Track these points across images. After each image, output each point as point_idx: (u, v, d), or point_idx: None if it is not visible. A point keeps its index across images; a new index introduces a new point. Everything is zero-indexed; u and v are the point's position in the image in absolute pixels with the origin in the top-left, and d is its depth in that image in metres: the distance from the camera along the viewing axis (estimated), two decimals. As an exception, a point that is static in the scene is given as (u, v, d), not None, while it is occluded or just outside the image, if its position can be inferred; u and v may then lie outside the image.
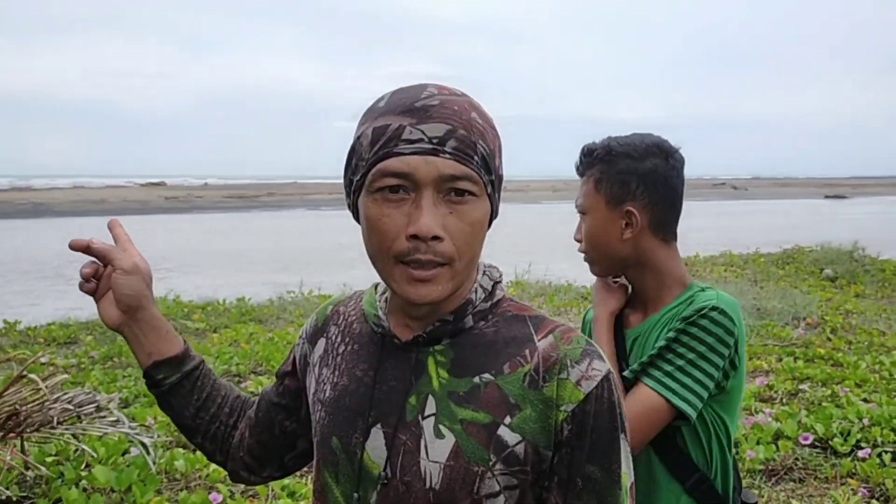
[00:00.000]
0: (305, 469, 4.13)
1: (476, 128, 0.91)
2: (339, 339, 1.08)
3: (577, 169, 1.59)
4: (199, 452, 4.03)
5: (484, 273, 1.01)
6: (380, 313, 1.02)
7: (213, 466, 3.93)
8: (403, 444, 0.95)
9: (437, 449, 0.93)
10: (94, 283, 1.13)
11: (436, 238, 0.89)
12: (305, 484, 3.82)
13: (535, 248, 20.44)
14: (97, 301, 1.13)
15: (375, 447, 0.97)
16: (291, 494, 3.67)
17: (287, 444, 1.20)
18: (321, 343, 1.11)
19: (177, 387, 1.16)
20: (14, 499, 3.49)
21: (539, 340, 0.95)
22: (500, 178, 0.97)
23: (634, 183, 1.50)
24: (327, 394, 1.04)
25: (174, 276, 14.55)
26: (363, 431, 0.98)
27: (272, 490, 3.71)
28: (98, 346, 7.18)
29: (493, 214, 0.98)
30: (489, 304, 0.99)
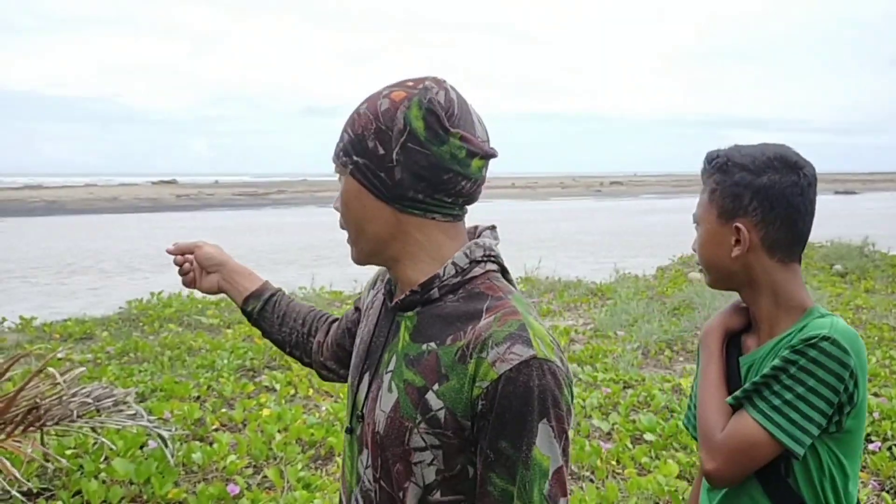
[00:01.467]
0: (320, 461, 4.22)
1: (351, 118, 1.10)
2: (375, 295, 1.28)
3: (701, 175, 1.50)
4: (215, 445, 4.12)
5: (465, 251, 1.10)
6: (389, 279, 1.20)
7: (230, 458, 3.99)
8: (372, 392, 1.12)
9: (385, 400, 1.08)
10: (191, 275, 1.51)
11: (336, 210, 1.14)
12: (320, 476, 3.87)
13: (544, 244, 20.45)
14: (196, 287, 1.52)
15: (362, 390, 1.15)
16: (307, 486, 3.72)
17: None
18: (371, 293, 1.32)
19: (261, 312, 1.49)
20: (35, 491, 3.55)
21: (483, 319, 1.04)
22: (380, 157, 1.06)
23: (748, 198, 1.40)
24: (357, 337, 1.26)
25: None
26: (360, 374, 1.17)
27: (288, 482, 3.76)
28: (114, 342, 7.25)
29: (386, 193, 1.07)
30: (459, 279, 1.09)
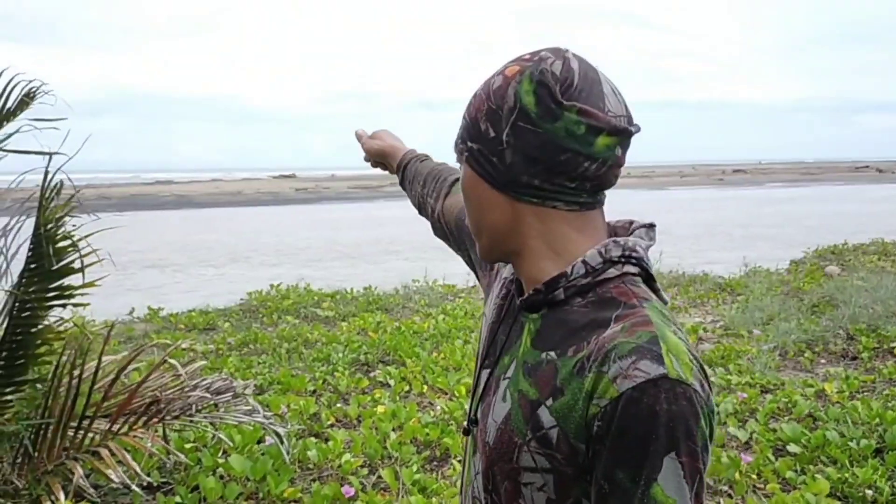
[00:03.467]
0: (435, 463, 4.07)
1: (468, 102, 0.99)
2: (512, 276, 1.10)
3: None
4: (330, 442, 4.04)
5: (600, 248, 0.95)
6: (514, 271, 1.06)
7: (346, 457, 3.91)
8: (488, 396, 1.01)
9: (498, 409, 0.97)
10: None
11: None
12: (436, 480, 3.72)
13: (664, 236, 19.69)
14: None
15: (481, 386, 1.04)
16: (423, 490, 3.58)
17: (469, 254, 1.35)
18: (510, 267, 1.11)
19: (402, 181, 1.56)
20: (155, 484, 3.57)
21: (610, 328, 0.90)
22: (491, 141, 0.95)
23: None
24: (488, 316, 1.13)
25: (304, 264, 14.97)
26: (481, 367, 1.07)
27: (403, 484, 3.63)
28: (234, 333, 7.40)
29: (497, 180, 0.96)
30: (589, 280, 0.94)
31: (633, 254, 0.96)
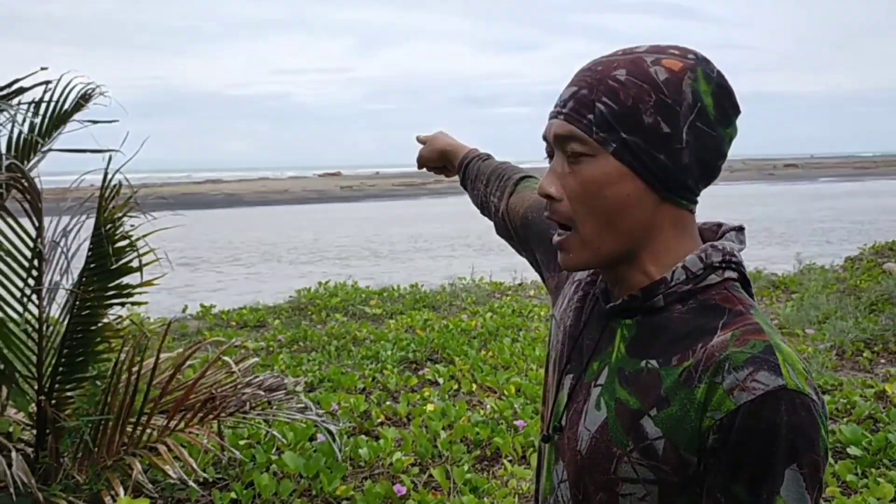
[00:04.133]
0: (486, 462, 4.05)
1: (606, 86, 0.89)
2: (591, 279, 1.07)
3: None
4: (381, 441, 4.05)
5: (700, 253, 0.92)
6: (603, 276, 1.01)
7: (396, 455, 3.91)
8: (577, 402, 0.97)
9: (592, 418, 0.94)
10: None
11: (550, 198, 0.92)
12: (488, 480, 3.70)
13: (714, 232, 19.35)
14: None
15: (564, 392, 1.01)
16: (474, 490, 3.56)
17: (534, 255, 1.31)
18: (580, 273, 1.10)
19: (463, 179, 1.55)
20: (210, 480, 3.62)
21: (717, 336, 0.87)
22: (658, 136, 0.88)
23: None
24: (567, 321, 1.06)
25: (351, 261, 15.08)
26: (562, 372, 1.02)
27: (454, 484, 3.62)
28: (284, 331, 7.48)
29: (657, 179, 0.89)
30: (690, 287, 0.91)
31: (733, 259, 0.94)
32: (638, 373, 0.91)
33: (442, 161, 1.62)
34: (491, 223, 1.46)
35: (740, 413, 0.81)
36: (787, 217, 23.78)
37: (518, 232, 1.33)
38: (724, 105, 0.90)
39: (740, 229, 0.98)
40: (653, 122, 0.88)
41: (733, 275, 0.93)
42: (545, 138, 0.95)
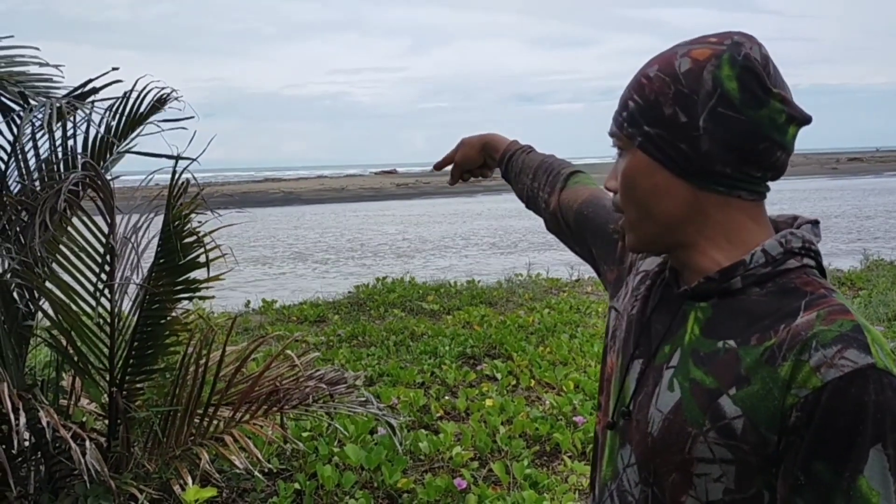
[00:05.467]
0: (545, 458, 4.04)
1: (637, 83, 0.95)
2: (658, 269, 1.08)
3: None
4: (441, 435, 4.07)
5: (780, 238, 0.93)
6: (670, 261, 1.04)
7: (456, 450, 3.93)
8: (647, 385, 0.98)
9: (664, 399, 0.94)
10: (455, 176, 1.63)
11: (610, 190, 1.01)
12: (547, 476, 3.69)
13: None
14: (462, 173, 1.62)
15: (633, 379, 1.01)
16: (534, 485, 3.56)
17: (589, 250, 1.32)
18: (652, 260, 1.11)
19: (506, 173, 1.54)
20: (275, 470, 3.70)
21: (801, 317, 0.87)
22: (679, 126, 0.91)
23: None
24: (631, 310, 1.07)
25: (409, 258, 15.17)
26: (630, 358, 1.02)
27: (514, 479, 3.62)
28: (344, 326, 7.58)
29: (680, 168, 0.92)
30: (769, 270, 0.92)
31: (812, 246, 0.95)
32: (714, 353, 0.91)
33: (482, 156, 1.57)
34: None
35: (827, 390, 0.81)
36: (851, 212, 23.03)
37: (572, 227, 1.34)
38: (752, 87, 0.90)
39: (815, 223, 0.98)
40: (672, 113, 0.92)
41: (811, 262, 0.94)
42: None
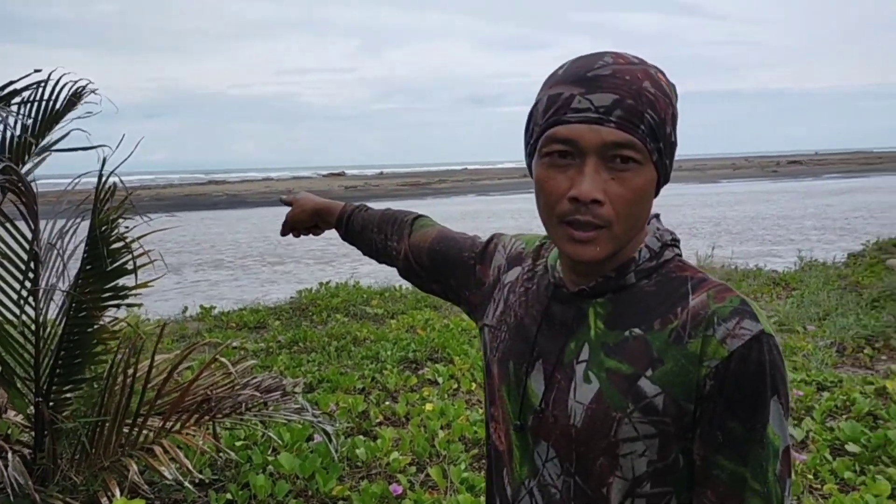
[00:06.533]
0: (483, 461, 4.04)
1: (645, 97, 0.96)
2: (527, 276, 1.18)
3: None
4: (379, 441, 4.06)
5: (654, 235, 1.05)
6: (557, 265, 1.11)
7: (394, 455, 3.92)
8: (558, 383, 1.04)
9: (583, 392, 1.01)
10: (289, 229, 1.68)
11: (596, 202, 0.95)
12: (484, 478, 3.70)
13: (717, 229, 19.32)
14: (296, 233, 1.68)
15: (537, 380, 1.07)
16: (471, 488, 3.56)
17: (447, 282, 1.37)
18: (516, 270, 1.22)
19: (347, 233, 1.57)
20: (206, 481, 3.63)
21: (693, 299, 0.99)
22: (671, 145, 1.00)
23: None
24: (511, 320, 1.16)
25: (352, 262, 15.08)
26: (530, 363, 1.08)
27: (451, 483, 3.62)
28: (284, 332, 7.49)
29: (663, 180, 1.02)
30: (654, 263, 1.04)
31: (676, 237, 1.09)
32: (623, 342, 1.01)
33: (314, 220, 1.63)
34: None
35: (734, 358, 0.93)
36: (788, 214, 23.73)
37: (425, 266, 1.40)
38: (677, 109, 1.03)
39: (657, 216, 1.09)
40: (670, 132, 1.00)
41: (679, 251, 1.08)
42: (569, 141, 0.95)
